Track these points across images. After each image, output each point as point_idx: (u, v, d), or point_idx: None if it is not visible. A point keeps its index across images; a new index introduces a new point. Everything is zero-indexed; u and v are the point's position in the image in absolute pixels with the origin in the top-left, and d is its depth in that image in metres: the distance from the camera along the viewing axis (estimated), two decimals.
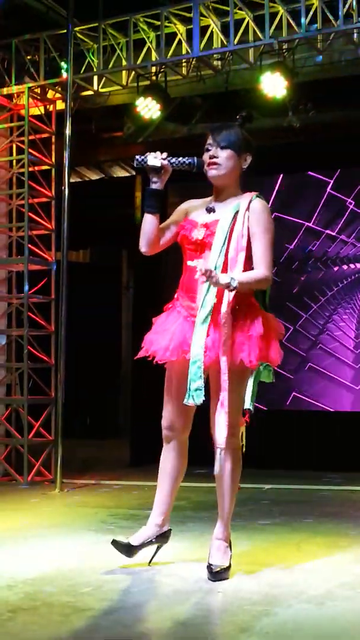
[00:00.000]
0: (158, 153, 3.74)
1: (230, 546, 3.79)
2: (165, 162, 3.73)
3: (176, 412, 3.81)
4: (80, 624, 3.05)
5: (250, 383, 3.69)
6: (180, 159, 3.77)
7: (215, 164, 3.75)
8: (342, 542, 4.56)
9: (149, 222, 3.80)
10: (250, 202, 3.73)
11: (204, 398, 3.60)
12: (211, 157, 3.75)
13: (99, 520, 5.30)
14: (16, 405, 7.83)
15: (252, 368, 3.65)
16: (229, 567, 3.69)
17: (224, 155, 3.75)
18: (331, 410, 8.53)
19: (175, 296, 3.86)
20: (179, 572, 3.81)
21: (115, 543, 3.82)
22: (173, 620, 3.10)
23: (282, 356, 3.73)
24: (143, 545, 3.85)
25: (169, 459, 3.89)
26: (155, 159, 3.72)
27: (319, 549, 4.37)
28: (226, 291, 3.59)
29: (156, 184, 3.76)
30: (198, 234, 3.74)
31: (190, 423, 3.88)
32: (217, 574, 3.62)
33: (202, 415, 3.77)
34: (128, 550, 3.82)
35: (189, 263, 3.75)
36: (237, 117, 3.89)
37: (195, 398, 3.59)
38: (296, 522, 5.27)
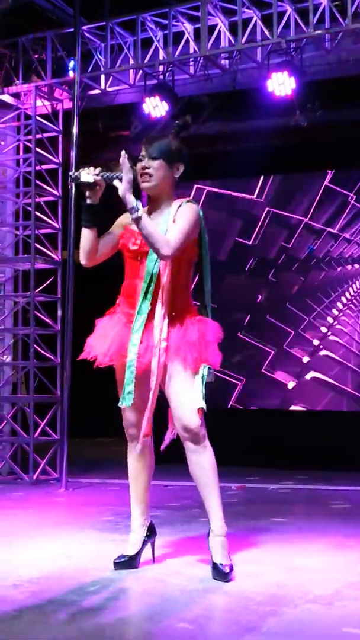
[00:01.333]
0: (91, 169, 3.78)
1: None
2: (98, 177, 3.76)
3: (133, 412, 3.89)
4: (86, 623, 3.04)
5: (198, 384, 3.74)
6: (112, 174, 3.80)
7: (146, 174, 3.81)
8: (349, 542, 4.55)
9: (85, 236, 3.86)
10: (179, 206, 3.79)
11: (132, 401, 3.74)
12: (143, 168, 3.82)
13: (104, 519, 5.30)
14: (22, 404, 7.83)
15: (193, 371, 3.72)
16: (232, 565, 3.69)
17: (154, 166, 3.81)
18: (336, 410, 8.51)
19: (117, 302, 3.96)
20: (184, 571, 3.81)
21: (117, 565, 3.85)
22: (178, 619, 3.08)
23: (222, 358, 3.81)
24: (140, 551, 3.91)
25: (138, 456, 3.96)
26: (88, 175, 3.76)
27: (326, 549, 4.36)
28: (160, 298, 3.73)
29: (91, 199, 3.81)
30: (136, 244, 3.83)
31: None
32: (229, 574, 3.62)
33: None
34: (131, 564, 3.86)
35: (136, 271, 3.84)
36: (174, 124, 3.96)
37: (126, 401, 3.76)
38: (302, 522, 5.26)
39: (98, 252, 3.92)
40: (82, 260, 3.95)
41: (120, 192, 3.64)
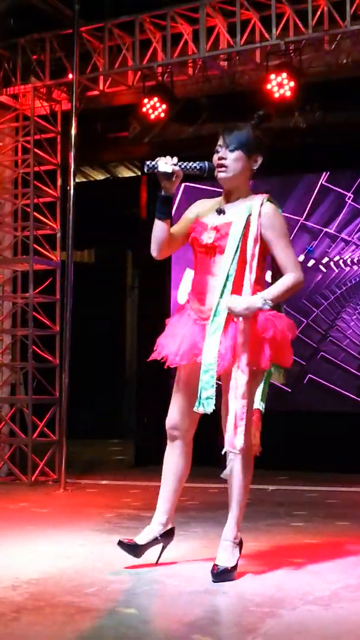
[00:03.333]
0: (168, 158, 3.71)
1: (240, 547, 3.77)
2: (177, 167, 3.69)
3: (182, 413, 3.81)
4: (84, 625, 3.04)
5: (262, 384, 3.71)
6: (190, 163, 3.74)
7: (223, 166, 3.73)
8: (348, 543, 4.55)
9: (160, 228, 3.78)
10: (261, 205, 3.72)
11: (214, 407, 3.61)
12: (219, 159, 3.74)
13: (103, 521, 5.29)
14: (20, 405, 7.83)
15: (264, 369, 3.67)
16: (234, 568, 3.67)
17: (232, 157, 3.73)
18: (337, 411, 8.51)
19: (187, 298, 3.87)
20: (183, 573, 3.80)
21: (121, 544, 3.81)
22: (177, 621, 3.08)
23: (293, 358, 3.75)
24: (149, 544, 3.85)
25: (173, 458, 3.89)
26: (166, 164, 3.68)
27: (325, 551, 4.36)
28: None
29: (166, 190, 3.74)
30: (208, 237, 3.73)
31: (195, 424, 3.88)
32: (219, 575, 3.60)
33: (208, 416, 3.76)
34: (135, 550, 3.81)
35: (200, 266, 3.75)
36: (255, 116, 3.86)
37: (205, 406, 3.61)
38: (301, 524, 5.26)
39: (171, 244, 3.85)
40: (154, 252, 3.86)
41: (243, 314, 3.57)
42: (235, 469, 3.71)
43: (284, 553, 4.29)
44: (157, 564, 3.92)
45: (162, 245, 3.82)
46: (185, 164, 3.73)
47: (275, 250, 3.70)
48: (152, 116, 7.69)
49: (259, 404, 3.68)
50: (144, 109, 7.66)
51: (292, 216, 8.69)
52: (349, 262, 8.56)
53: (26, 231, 7.82)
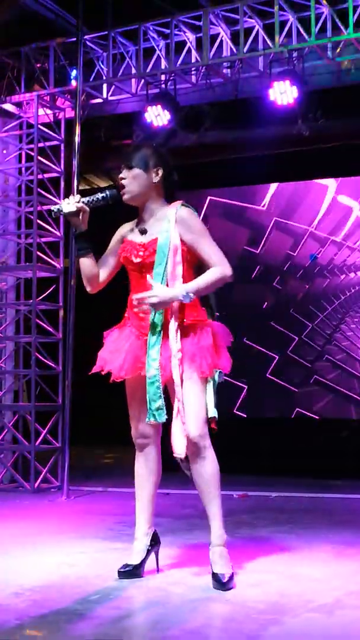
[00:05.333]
0: (71, 198, 3.82)
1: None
2: (80, 204, 3.80)
3: (142, 422, 3.88)
4: (87, 632, 3.04)
5: (210, 392, 3.78)
6: (93, 196, 3.85)
7: (123, 186, 3.84)
8: (349, 550, 4.55)
9: (85, 264, 3.88)
10: (176, 212, 3.79)
11: (166, 416, 3.71)
12: (120, 179, 3.86)
13: (106, 528, 5.29)
14: (23, 412, 7.84)
15: (208, 376, 3.74)
16: (233, 574, 3.69)
17: (129, 175, 3.84)
18: (339, 419, 8.51)
19: (126, 315, 3.93)
20: (186, 580, 3.80)
21: (121, 574, 3.84)
22: (180, 628, 3.08)
23: (232, 362, 3.84)
24: (144, 560, 3.89)
25: (147, 466, 3.96)
26: (68, 204, 3.80)
27: (327, 558, 4.35)
28: (172, 309, 3.71)
29: (79, 227, 3.83)
30: (138, 256, 3.82)
31: (159, 429, 3.94)
32: (228, 583, 3.61)
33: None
34: (135, 573, 3.84)
35: (148, 277, 3.78)
36: (160, 136, 4.02)
37: (157, 417, 3.71)
38: (303, 530, 5.25)
39: (102, 276, 3.94)
40: (88, 288, 3.96)
41: (159, 306, 3.67)
42: (207, 471, 3.74)
43: (286, 560, 4.28)
44: (158, 571, 3.95)
45: (93, 279, 3.92)
46: (88, 198, 3.84)
47: (199, 250, 3.77)
48: (156, 124, 7.70)
49: (213, 412, 3.75)
50: (148, 117, 7.67)
51: (301, 225, 8.73)
52: (352, 268, 8.58)
53: (29, 239, 7.83)
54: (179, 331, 3.72)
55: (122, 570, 3.84)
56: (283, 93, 7.15)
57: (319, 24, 6.91)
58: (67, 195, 7.73)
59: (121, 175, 3.85)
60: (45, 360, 7.71)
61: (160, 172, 3.86)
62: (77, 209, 3.79)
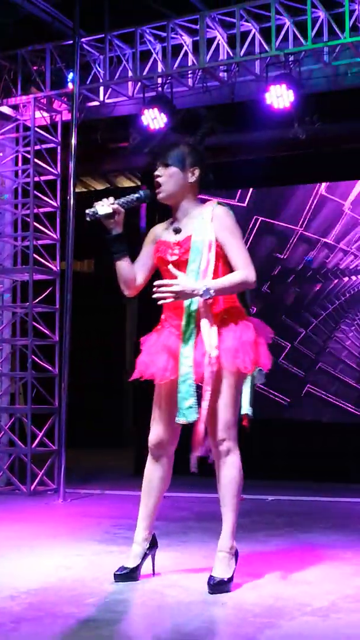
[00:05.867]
0: (104, 200, 3.77)
1: (236, 557, 3.78)
2: (115, 206, 3.76)
3: (165, 429, 3.85)
4: (83, 635, 3.05)
5: (247, 389, 3.74)
6: (127, 197, 3.81)
7: (159, 185, 3.79)
8: (345, 554, 4.56)
9: (122, 267, 3.84)
10: (212, 210, 3.77)
11: (197, 415, 3.64)
12: (155, 177, 3.81)
13: (102, 531, 5.29)
14: (20, 415, 7.83)
15: (248, 373, 3.71)
16: (230, 579, 3.68)
17: (166, 173, 3.79)
18: (336, 422, 8.51)
19: (163, 317, 3.89)
20: (182, 583, 3.81)
21: (117, 577, 3.83)
22: (176, 631, 3.09)
23: (272, 360, 3.79)
24: (141, 563, 3.89)
25: (156, 473, 3.94)
26: (103, 207, 3.75)
27: (323, 561, 4.36)
28: (206, 305, 3.67)
29: (115, 230, 3.79)
30: (173, 254, 3.78)
31: (177, 437, 3.91)
32: (215, 587, 3.61)
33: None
34: (131, 576, 3.84)
35: (170, 267, 3.76)
36: (197, 133, 3.95)
37: (187, 416, 3.66)
38: (299, 534, 5.26)
39: (139, 278, 3.89)
40: (125, 292, 3.91)
41: (182, 296, 3.63)
42: (225, 476, 3.72)
43: (283, 563, 4.29)
44: (154, 574, 3.95)
45: (129, 283, 3.88)
46: (122, 199, 3.80)
47: (228, 250, 3.74)
48: (152, 127, 7.70)
49: (247, 409, 3.72)
50: (144, 120, 7.68)
51: (289, 226, 8.72)
52: (346, 272, 8.58)
53: (26, 241, 7.83)
54: (214, 329, 3.66)
55: (118, 573, 3.84)
56: (279, 97, 7.17)
57: (315, 28, 6.93)
58: (63, 198, 7.75)
59: (157, 173, 3.80)
60: (41, 363, 7.71)
61: (197, 172, 3.82)
62: (112, 210, 3.75)
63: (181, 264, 3.74)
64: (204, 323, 3.68)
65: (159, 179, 3.79)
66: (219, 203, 3.81)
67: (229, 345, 3.67)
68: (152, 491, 3.93)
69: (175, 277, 3.69)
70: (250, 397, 3.74)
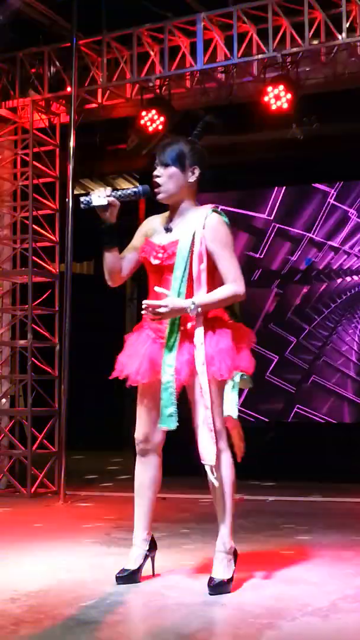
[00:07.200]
0: (102, 190, 3.73)
1: (235, 558, 3.78)
2: (111, 198, 3.72)
3: (149, 424, 3.86)
4: (84, 637, 3.04)
5: (229, 392, 3.71)
6: (125, 190, 3.78)
7: (158, 185, 3.75)
8: (346, 554, 4.56)
9: (109, 258, 3.80)
10: (205, 218, 3.72)
11: (177, 424, 3.65)
12: (154, 177, 3.77)
13: (103, 533, 5.29)
14: (20, 417, 7.83)
15: (226, 379, 3.69)
16: (230, 580, 3.68)
17: (166, 173, 3.75)
18: (334, 422, 8.52)
19: (144, 316, 3.87)
20: (182, 585, 3.81)
21: (119, 579, 3.82)
22: (176, 633, 3.09)
23: (254, 363, 3.78)
24: (141, 565, 3.88)
25: (148, 472, 3.94)
26: (99, 197, 3.71)
27: (323, 562, 4.36)
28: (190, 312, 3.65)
29: (107, 220, 3.76)
30: (157, 258, 3.75)
31: (164, 435, 3.91)
32: (215, 588, 3.61)
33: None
34: (133, 578, 3.84)
35: (156, 289, 3.73)
36: (196, 129, 3.92)
37: (169, 423, 3.66)
38: (300, 535, 5.26)
39: (124, 270, 3.87)
40: (109, 282, 3.89)
41: (167, 315, 3.62)
42: (218, 477, 3.72)
43: (283, 564, 4.29)
44: (154, 575, 3.95)
45: (114, 274, 3.86)
46: (119, 191, 3.76)
47: (218, 262, 3.70)
48: (151, 128, 7.70)
49: (233, 412, 3.70)
50: (142, 121, 7.67)
51: (279, 225, 8.78)
52: (348, 272, 8.62)
53: (25, 243, 7.83)
54: (198, 335, 3.66)
55: (119, 575, 3.83)
56: (277, 98, 7.17)
57: (313, 29, 6.93)
58: (62, 200, 7.75)
59: (156, 173, 3.75)
60: (41, 365, 7.72)
61: (197, 172, 3.78)
62: (107, 202, 3.71)
63: (164, 269, 3.73)
64: (197, 333, 3.67)
65: (158, 179, 3.75)
66: (213, 210, 3.75)
67: (205, 353, 3.66)
68: (144, 491, 3.94)
69: (164, 286, 3.68)
70: (235, 400, 3.72)
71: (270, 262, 8.99)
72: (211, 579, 3.64)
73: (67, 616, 3.30)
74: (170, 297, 3.64)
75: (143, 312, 3.67)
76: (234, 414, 3.70)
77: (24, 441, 7.63)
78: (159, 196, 3.78)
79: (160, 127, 7.63)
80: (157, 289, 3.70)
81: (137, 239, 3.91)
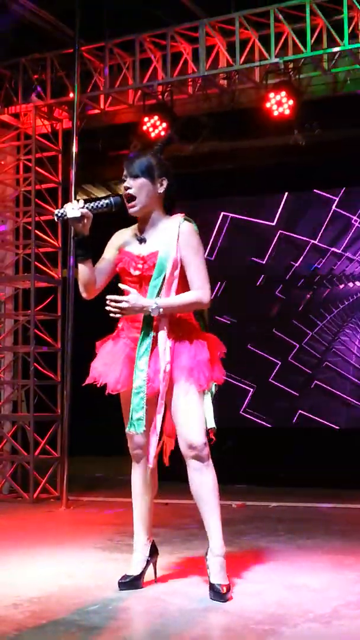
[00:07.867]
0: (75, 202, 3.76)
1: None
2: (84, 210, 3.74)
3: (140, 435, 3.85)
4: None
5: (208, 403, 3.78)
6: (97, 202, 3.80)
7: (131, 197, 3.79)
8: (348, 560, 4.55)
9: (83, 270, 3.83)
10: (179, 226, 3.77)
11: (144, 428, 3.73)
12: (125, 188, 3.81)
13: (105, 538, 5.30)
14: (22, 422, 7.84)
15: (205, 390, 3.75)
16: (230, 585, 3.70)
17: (135, 185, 3.79)
18: (337, 427, 8.53)
19: (120, 326, 3.92)
20: (184, 591, 3.81)
21: (121, 585, 3.84)
22: (178, 639, 3.09)
23: (225, 373, 3.87)
24: (144, 571, 3.91)
25: (143, 477, 3.96)
26: (73, 210, 3.73)
27: (325, 568, 4.36)
28: (163, 320, 3.72)
29: (81, 232, 3.78)
30: (137, 268, 3.80)
31: (157, 439, 3.92)
32: (226, 594, 3.62)
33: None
34: (135, 584, 3.86)
35: (120, 285, 3.79)
36: (158, 143, 3.97)
37: (136, 427, 3.75)
38: (302, 540, 5.26)
39: (98, 282, 3.89)
40: (84, 294, 3.92)
41: (129, 311, 3.68)
42: (206, 482, 3.74)
43: (285, 570, 4.29)
44: (156, 580, 3.96)
45: (89, 286, 3.88)
46: (92, 204, 3.79)
47: (188, 268, 3.76)
48: (153, 134, 7.72)
49: (211, 424, 3.76)
50: (145, 127, 7.69)
51: (297, 236, 8.80)
52: (351, 278, 8.64)
53: (28, 249, 7.85)
54: (168, 343, 3.72)
55: (122, 581, 3.85)
56: (279, 104, 7.19)
57: (315, 36, 6.95)
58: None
59: (126, 185, 3.81)
60: (44, 371, 7.73)
61: (165, 183, 3.84)
62: (81, 214, 3.74)
63: (144, 279, 3.78)
64: (161, 337, 3.73)
65: (129, 191, 3.80)
66: (185, 219, 3.81)
67: (184, 364, 3.72)
68: (140, 496, 3.96)
69: (139, 292, 3.73)
70: (212, 411, 3.78)
71: (274, 267, 9.02)
72: (213, 586, 3.65)
73: (69, 622, 3.30)
74: (133, 294, 3.69)
75: (107, 307, 3.70)
76: (214, 425, 3.76)
77: (27, 446, 7.63)
78: (133, 209, 3.82)
79: (162, 133, 7.65)
80: (121, 285, 3.77)
81: (110, 252, 3.94)
